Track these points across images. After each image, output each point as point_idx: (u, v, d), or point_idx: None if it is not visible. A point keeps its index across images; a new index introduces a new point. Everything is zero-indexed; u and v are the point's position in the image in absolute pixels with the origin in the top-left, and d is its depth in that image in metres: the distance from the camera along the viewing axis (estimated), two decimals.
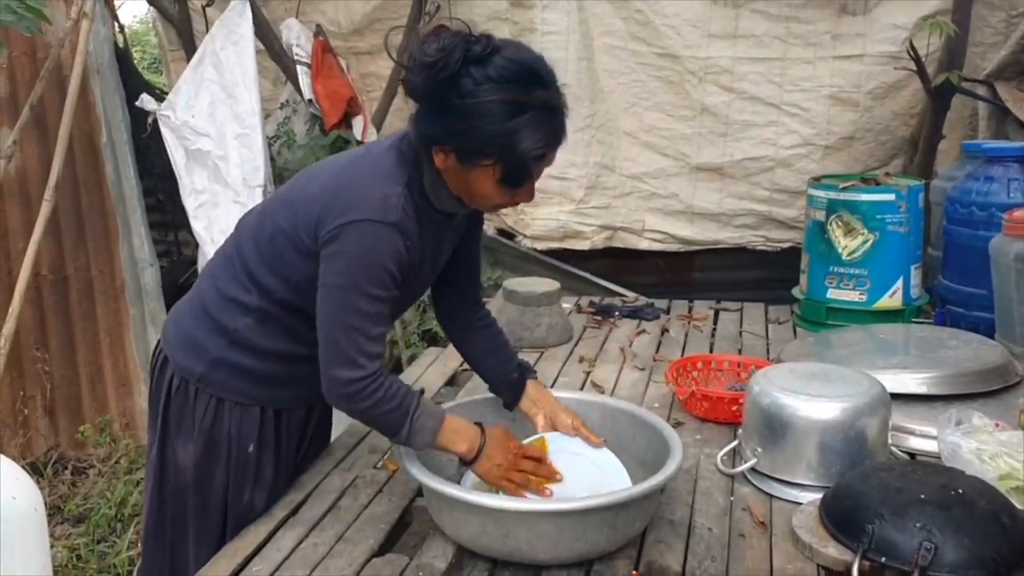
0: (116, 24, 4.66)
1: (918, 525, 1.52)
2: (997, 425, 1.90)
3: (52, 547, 3.12)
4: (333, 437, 2.20)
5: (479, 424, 1.75)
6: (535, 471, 1.75)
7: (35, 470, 3.80)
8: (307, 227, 1.65)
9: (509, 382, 1.97)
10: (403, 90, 1.61)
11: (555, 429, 1.88)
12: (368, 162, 1.69)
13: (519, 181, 1.61)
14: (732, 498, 1.88)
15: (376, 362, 1.62)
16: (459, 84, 1.51)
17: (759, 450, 1.90)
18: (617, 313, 3.31)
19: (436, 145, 1.59)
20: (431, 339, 4.02)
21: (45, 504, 1.71)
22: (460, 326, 2.03)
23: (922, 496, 1.57)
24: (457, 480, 1.81)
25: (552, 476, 1.76)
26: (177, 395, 1.82)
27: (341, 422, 2.51)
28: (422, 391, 1.74)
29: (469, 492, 1.64)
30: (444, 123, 1.56)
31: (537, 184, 4.04)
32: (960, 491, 1.58)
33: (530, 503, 1.64)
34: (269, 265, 1.73)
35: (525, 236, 4.04)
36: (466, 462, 1.72)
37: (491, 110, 1.51)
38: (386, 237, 1.58)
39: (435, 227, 1.73)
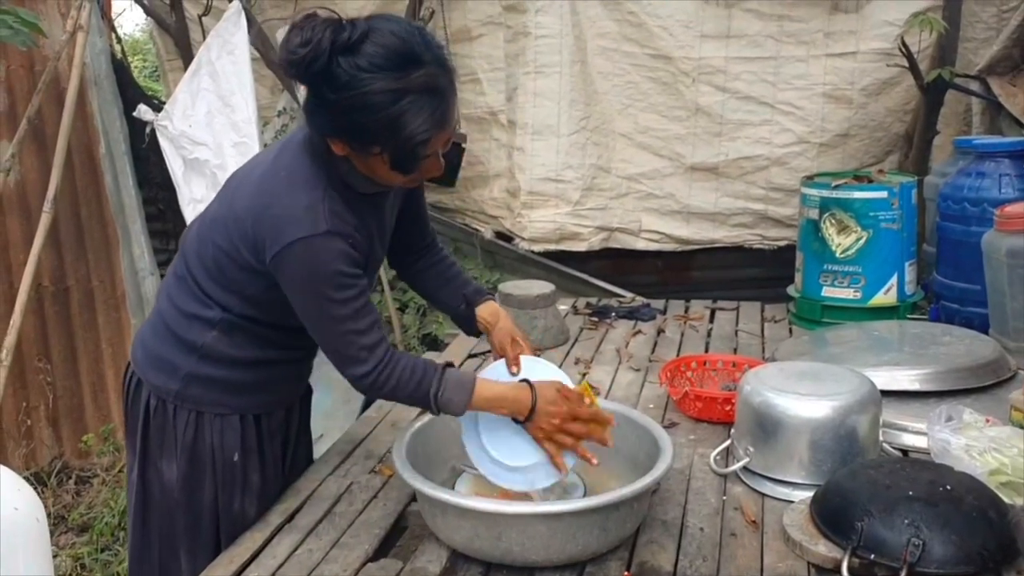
0: (113, 35, 4.68)
1: (906, 522, 1.53)
2: (988, 420, 1.91)
3: (56, 556, 3.15)
4: (327, 445, 2.21)
5: (527, 382, 1.74)
6: (586, 429, 1.73)
7: (39, 480, 3.82)
8: (245, 245, 1.65)
9: (459, 315, 2.01)
10: None
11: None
12: (284, 170, 1.65)
13: (410, 166, 1.57)
14: (724, 497, 1.89)
15: (379, 349, 1.64)
16: (332, 77, 1.46)
17: (751, 449, 1.92)
18: (614, 314, 3.33)
19: (328, 137, 1.57)
20: (431, 343, 4.04)
21: (49, 514, 1.73)
22: (411, 271, 2.06)
23: (910, 493, 1.58)
24: (451, 484, 1.83)
25: (605, 427, 1.75)
26: (156, 415, 1.82)
27: (340, 428, 2.54)
28: (449, 364, 1.72)
29: (461, 496, 1.66)
30: (325, 116, 1.53)
31: (533, 187, 4.07)
32: (948, 487, 1.60)
33: (521, 506, 1.65)
34: (219, 283, 1.73)
35: (523, 238, 4.06)
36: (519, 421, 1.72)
37: (368, 102, 1.46)
38: (325, 246, 1.58)
39: (371, 208, 1.73)
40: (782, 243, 3.96)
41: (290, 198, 1.60)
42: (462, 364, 2.86)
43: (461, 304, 2.00)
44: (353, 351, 1.63)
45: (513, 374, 1.85)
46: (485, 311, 1.98)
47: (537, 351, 1.97)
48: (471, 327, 2.01)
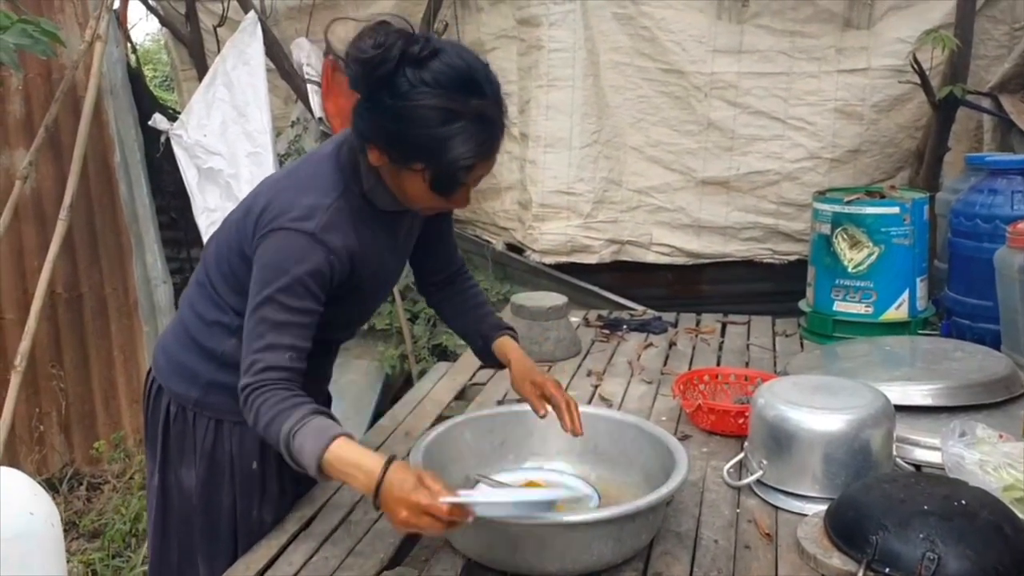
0: (129, 45, 4.72)
1: (921, 536, 1.53)
2: (1001, 436, 1.91)
3: (68, 562, 3.16)
4: None
5: (392, 457, 1.48)
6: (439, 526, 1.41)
7: (51, 486, 3.84)
8: (249, 237, 1.66)
9: (477, 349, 2.02)
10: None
11: (548, 401, 1.87)
12: (304, 175, 1.68)
13: (449, 189, 1.58)
14: (738, 510, 1.89)
15: (271, 373, 1.53)
16: (394, 84, 1.48)
17: (765, 462, 1.92)
18: (625, 327, 3.34)
19: (369, 142, 1.57)
20: (441, 354, 4.05)
21: (61, 520, 1.74)
22: (436, 298, 2.07)
23: (925, 507, 1.58)
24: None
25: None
26: (176, 422, 1.84)
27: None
28: (320, 411, 1.53)
29: None
30: (377, 122, 1.53)
31: (545, 199, 4.08)
32: (963, 502, 1.60)
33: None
34: (233, 286, 1.74)
35: (534, 250, 4.07)
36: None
37: (423, 116, 1.48)
38: (301, 246, 1.56)
39: (384, 227, 1.73)
40: (792, 258, 3.96)
41: (298, 195, 1.62)
42: (473, 375, 2.87)
43: (479, 339, 2.00)
44: (251, 358, 1.55)
45: (541, 416, 1.86)
46: (501, 347, 1.96)
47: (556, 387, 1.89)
48: (491, 362, 2.01)
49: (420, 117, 1.48)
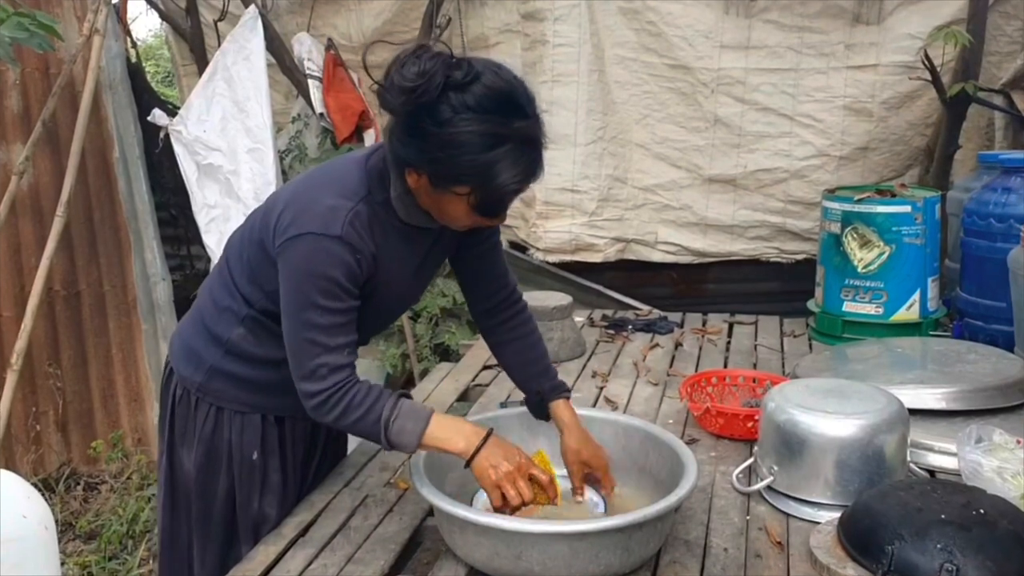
0: (128, 39, 4.68)
1: (939, 546, 1.49)
2: (1019, 442, 1.87)
3: (63, 564, 3.12)
4: (349, 450, 2.18)
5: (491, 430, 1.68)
6: (536, 494, 1.66)
7: (47, 486, 3.80)
8: (269, 231, 1.67)
9: (530, 402, 1.95)
10: (379, 104, 1.56)
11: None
12: (329, 175, 1.70)
13: (494, 211, 1.58)
14: (748, 517, 1.84)
15: (341, 373, 1.60)
16: (437, 111, 1.46)
17: (775, 468, 1.87)
18: (630, 327, 3.29)
19: (409, 167, 1.56)
20: (443, 353, 4.00)
21: (57, 521, 1.71)
22: (492, 335, 1.99)
23: (943, 516, 1.54)
24: (469, 500, 1.79)
25: (553, 500, 1.69)
26: (180, 405, 1.87)
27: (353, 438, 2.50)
28: (404, 394, 1.68)
29: (481, 513, 1.62)
30: (419, 148, 1.51)
31: (549, 197, 4.04)
32: (981, 511, 1.55)
33: (543, 525, 1.61)
34: (248, 275, 1.77)
35: (537, 249, 4.02)
36: (466, 461, 1.64)
37: (469, 141, 1.46)
38: (329, 250, 1.57)
39: (404, 239, 1.70)
40: (799, 256, 3.92)
41: (321, 195, 1.63)
42: (476, 376, 2.83)
43: (535, 397, 1.93)
44: (313, 365, 1.60)
45: (578, 501, 1.80)
46: (556, 411, 1.89)
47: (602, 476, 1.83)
48: (542, 417, 1.94)
49: (465, 143, 1.47)
